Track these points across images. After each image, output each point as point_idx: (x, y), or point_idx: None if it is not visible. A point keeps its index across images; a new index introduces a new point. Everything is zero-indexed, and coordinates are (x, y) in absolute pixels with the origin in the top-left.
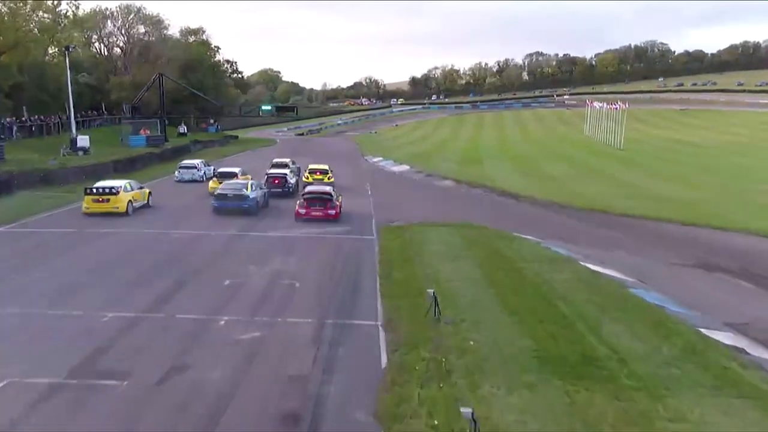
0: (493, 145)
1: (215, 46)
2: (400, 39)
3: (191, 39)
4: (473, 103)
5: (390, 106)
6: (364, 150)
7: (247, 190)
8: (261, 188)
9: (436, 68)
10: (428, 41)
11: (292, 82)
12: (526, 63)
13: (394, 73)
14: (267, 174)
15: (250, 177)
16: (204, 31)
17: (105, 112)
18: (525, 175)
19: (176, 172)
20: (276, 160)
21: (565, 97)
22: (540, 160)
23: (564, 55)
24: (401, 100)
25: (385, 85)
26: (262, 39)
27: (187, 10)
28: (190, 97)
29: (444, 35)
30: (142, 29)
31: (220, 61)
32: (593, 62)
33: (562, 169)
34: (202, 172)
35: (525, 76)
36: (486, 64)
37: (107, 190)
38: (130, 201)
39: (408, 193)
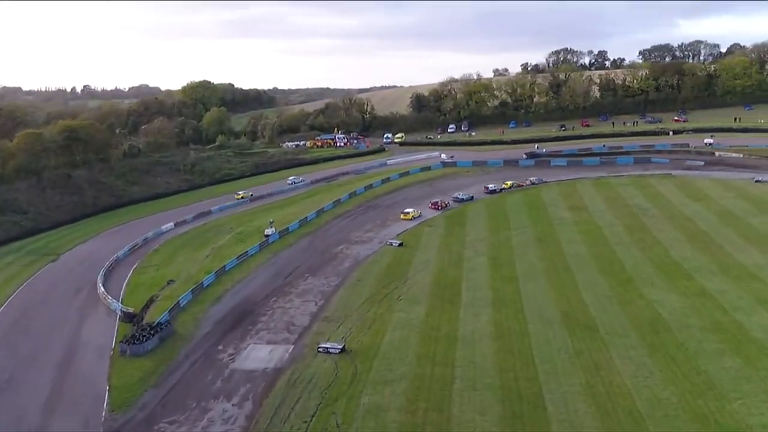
0: None
1: None
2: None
3: None
4: (532, 150)
5: (383, 150)
6: None
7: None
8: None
9: (453, 80)
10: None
11: (224, 106)
12: (550, 63)
13: (379, 81)
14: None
15: None
16: None
17: None
18: None
19: None
20: None
21: (706, 141)
22: None
23: (598, 52)
24: (400, 135)
25: (373, 108)
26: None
27: None
28: None
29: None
30: None
31: None
32: (711, 69)
33: None
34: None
35: (595, 92)
36: (533, 77)
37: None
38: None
39: None
